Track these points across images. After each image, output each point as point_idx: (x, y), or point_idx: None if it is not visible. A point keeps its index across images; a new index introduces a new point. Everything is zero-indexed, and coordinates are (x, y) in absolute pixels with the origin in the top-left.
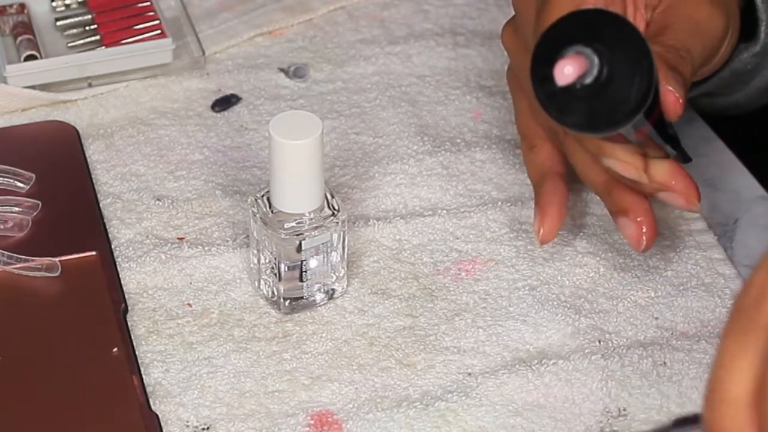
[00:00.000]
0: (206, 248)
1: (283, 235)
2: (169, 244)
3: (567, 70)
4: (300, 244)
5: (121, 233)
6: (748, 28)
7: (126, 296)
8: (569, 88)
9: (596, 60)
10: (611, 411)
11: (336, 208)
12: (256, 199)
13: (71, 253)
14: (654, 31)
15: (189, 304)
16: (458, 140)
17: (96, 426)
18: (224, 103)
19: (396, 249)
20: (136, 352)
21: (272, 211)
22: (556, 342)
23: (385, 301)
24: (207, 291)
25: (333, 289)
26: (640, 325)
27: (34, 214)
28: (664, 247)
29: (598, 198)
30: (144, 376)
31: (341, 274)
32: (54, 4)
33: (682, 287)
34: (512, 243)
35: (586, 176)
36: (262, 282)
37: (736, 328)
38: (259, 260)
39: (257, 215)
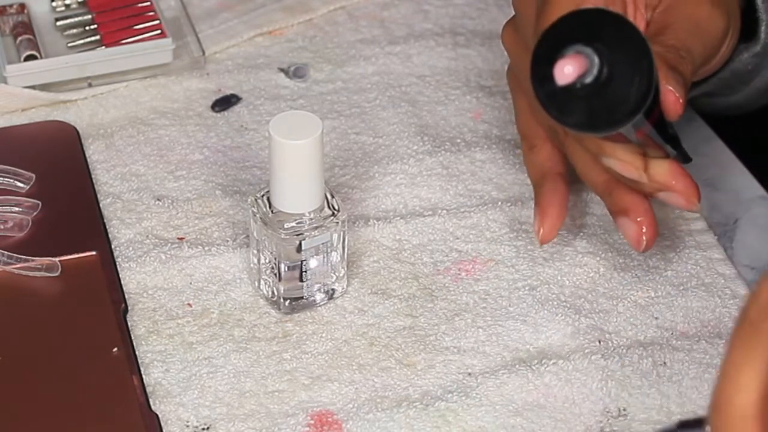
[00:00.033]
0: (206, 248)
1: (283, 235)
2: (169, 244)
3: (567, 70)
4: (300, 244)
5: (121, 233)
6: (748, 28)
7: (126, 296)
8: (569, 88)
9: (596, 59)
10: (611, 411)
11: (336, 208)
12: (256, 199)
13: (71, 253)
14: (654, 30)
15: (189, 304)
16: (458, 140)
17: (96, 426)
18: (224, 103)
19: (396, 249)
20: (136, 352)
21: (272, 211)
22: (556, 342)
23: (385, 301)
24: (207, 291)
25: (333, 289)
26: (640, 325)
27: (34, 214)
28: (664, 247)
29: (598, 198)
30: (144, 376)
31: (341, 274)
32: (54, 4)
33: (682, 287)
34: (512, 243)
35: (587, 176)
36: (262, 282)
37: (741, 338)
38: (259, 260)
39: (257, 215)
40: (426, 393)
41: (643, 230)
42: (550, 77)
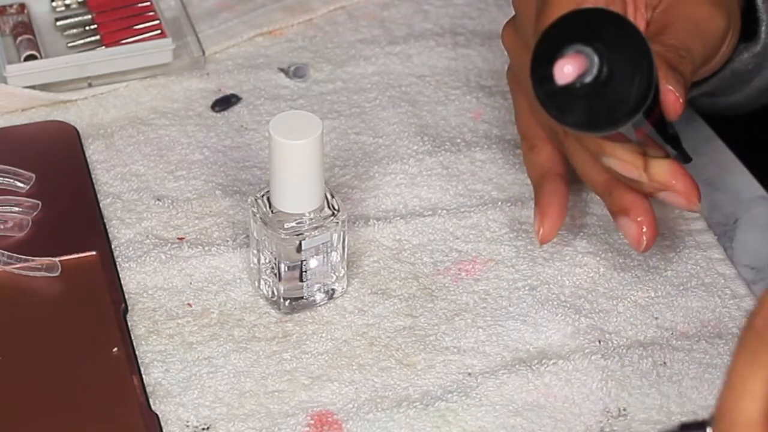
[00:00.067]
0: (206, 248)
1: (283, 235)
2: (169, 244)
3: (567, 69)
4: (300, 244)
5: (121, 233)
6: (748, 28)
7: (126, 296)
8: (569, 87)
9: (596, 59)
10: (611, 411)
11: (336, 208)
12: (256, 199)
13: (71, 253)
14: (654, 30)
15: (189, 304)
16: (458, 140)
17: (96, 426)
18: (224, 103)
19: (396, 249)
20: (136, 352)
21: (272, 211)
22: (556, 342)
23: (385, 301)
24: (207, 291)
25: (333, 289)
26: (640, 325)
27: (34, 214)
28: (664, 247)
29: (598, 198)
30: (144, 376)
31: (341, 274)
32: (54, 4)
33: (682, 287)
34: (512, 243)
35: (587, 176)
36: (262, 282)
37: (747, 346)
38: (259, 260)
39: (257, 215)
40: (426, 393)
41: (644, 230)
42: (550, 77)
